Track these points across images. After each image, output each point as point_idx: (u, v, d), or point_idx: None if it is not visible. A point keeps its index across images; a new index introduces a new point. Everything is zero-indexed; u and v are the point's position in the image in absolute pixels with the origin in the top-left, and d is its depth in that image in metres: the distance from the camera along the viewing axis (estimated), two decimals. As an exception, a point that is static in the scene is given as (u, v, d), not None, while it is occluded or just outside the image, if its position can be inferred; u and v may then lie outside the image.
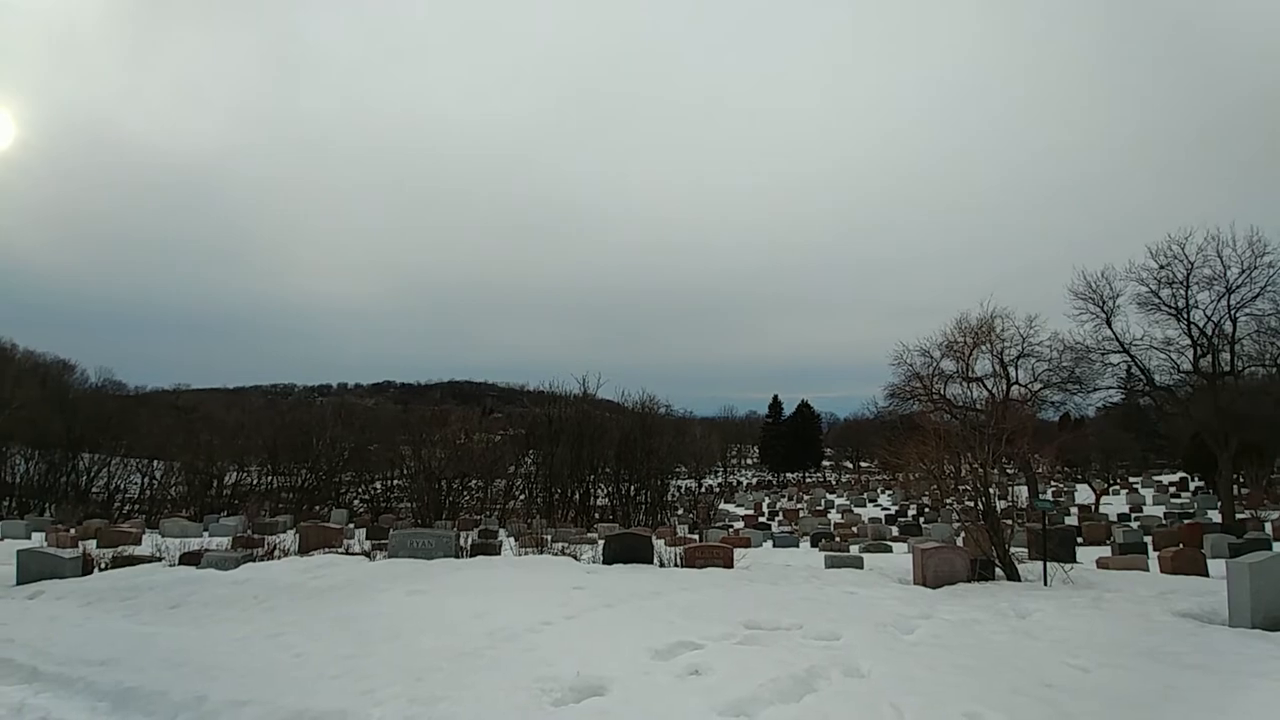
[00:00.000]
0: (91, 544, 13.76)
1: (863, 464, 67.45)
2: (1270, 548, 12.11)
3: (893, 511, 31.57)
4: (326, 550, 11.23)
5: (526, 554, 9.51)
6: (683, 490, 42.98)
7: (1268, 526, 18.54)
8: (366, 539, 15.15)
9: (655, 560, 8.72)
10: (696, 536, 18.12)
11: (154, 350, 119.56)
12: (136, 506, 30.99)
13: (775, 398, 69.72)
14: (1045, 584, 7.61)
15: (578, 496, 31.13)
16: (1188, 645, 4.70)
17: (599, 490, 32.23)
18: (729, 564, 8.51)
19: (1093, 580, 8.00)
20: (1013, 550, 8.72)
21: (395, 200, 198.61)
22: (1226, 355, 22.60)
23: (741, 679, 3.73)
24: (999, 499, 9.45)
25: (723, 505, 38.71)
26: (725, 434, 76.04)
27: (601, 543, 9.81)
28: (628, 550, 8.78)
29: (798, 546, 16.25)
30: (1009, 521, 9.45)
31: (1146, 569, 10.04)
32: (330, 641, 4.68)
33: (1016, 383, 28.19)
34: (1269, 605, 5.36)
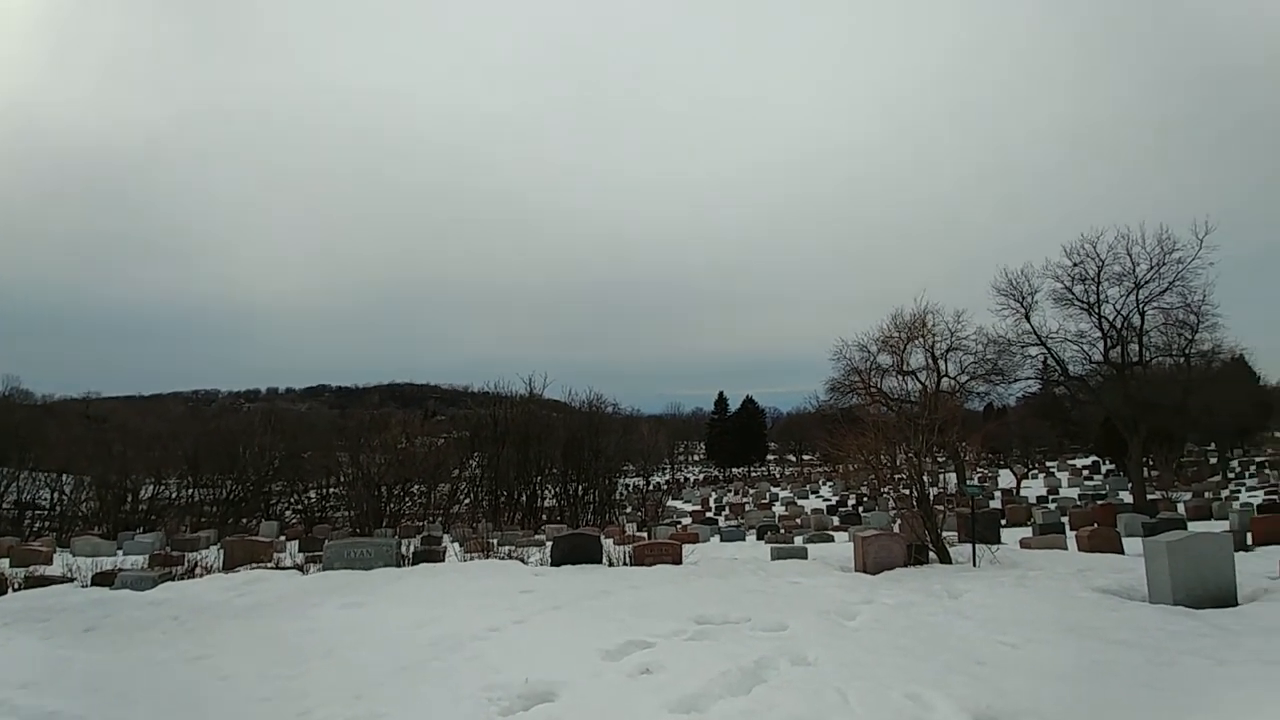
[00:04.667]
0: (4, 562, 12.72)
1: (805, 457, 69.46)
2: (1185, 527, 13.13)
3: (834, 502, 32.64)
4: (255, 566, 10.64)
5: (472, 559, 9.30)
6: (631, 488, 43.10)
7: (1181, 507, 20.02)
8: (299, 552, 14.46)
9: (604, 560, 8.68)
10: (645, 534, 18.19)
11: (63, 356, 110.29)
12: (47, 524, 28.61)
13: (720, 394, 71.02)
14: (974, 565, 8.01)
15: (524, 498, 30.73)
16: (1111, 621, 4.97)
17: (546, 491, 31.92)
18: (678, 560, 8.56)
19: (1017, 560, 8.48)
20: (944, 534, 9.16)
21: (332, 189, 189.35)
22: (1135, 346, 24.47)
23: (692, 675, 3.74)
24: (931, 486, 9.91)
25: (670, 502, 39.08)
26: (672, 431, 76.79)
27: (549, 544, 9.70)
28: (576, 551, 8.70)
29: (744, 540, 16.57)
30: (940, 507, 9.91)
31: (1065, 548, 10.73)
32: (260, 661, 4.41)
33: (946, 375, 29.69)
34: (1188, 583, 5.61)
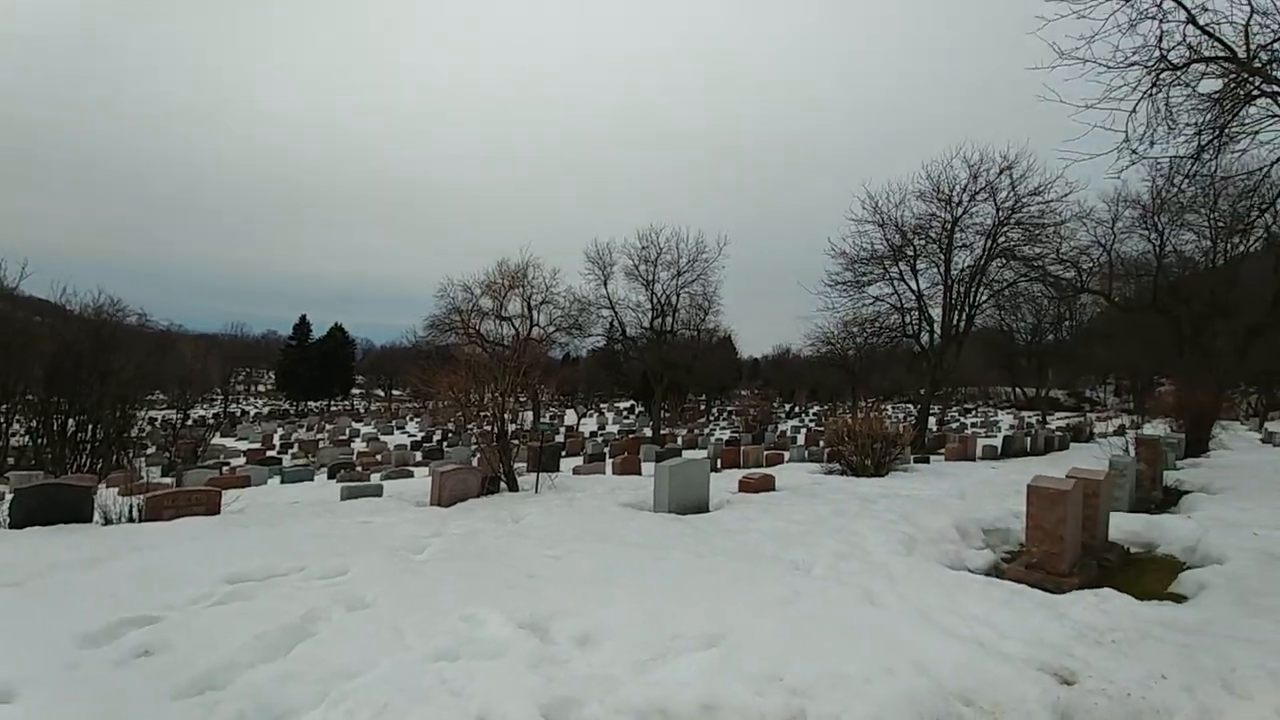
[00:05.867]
0: None
1: (395, 392, 67.23)
2: (680, 454, 17.59)
3: (419, 438, 32.57)
4: None
5: None
6: (160, 424, 34.31)
7: (679, 439, 26.97)
8: None
9: (98, 517, 6.56)
10: (173, 480, 14.68)
11: None
12: None
13: (303, 318, 62.00)
14: (536, 491, 9.05)
15: (-38, 436, 21.13)
16: (629, 528, 6.22)
17: (16, 426, 22.59)
18: (215, 509, 7.10)
19: (570, 484, 9.94)
20: (516, 465, 10.07)
21: None
22: (670, 319, 31.55)
23: (212, 646, 3.10)
24: (511, 423, 10.75)
25: (219, 439, 32.63)
26: (231, 355, 63.88)
27: (7, 500, 6.85)
28: (50, 507, 6.34)
29: (312, 480, 15.00)
30: (517, 441, 10.87)
31: (604, 472, 13.14)
32: None
33: (537, 325, 32.76)
34: (681, 496, 7.46)
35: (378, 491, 8.88)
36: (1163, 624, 3.65)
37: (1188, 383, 18.30)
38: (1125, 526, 6.17)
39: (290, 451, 28.87)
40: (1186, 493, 8.96)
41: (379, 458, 22.16)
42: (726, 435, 30.11)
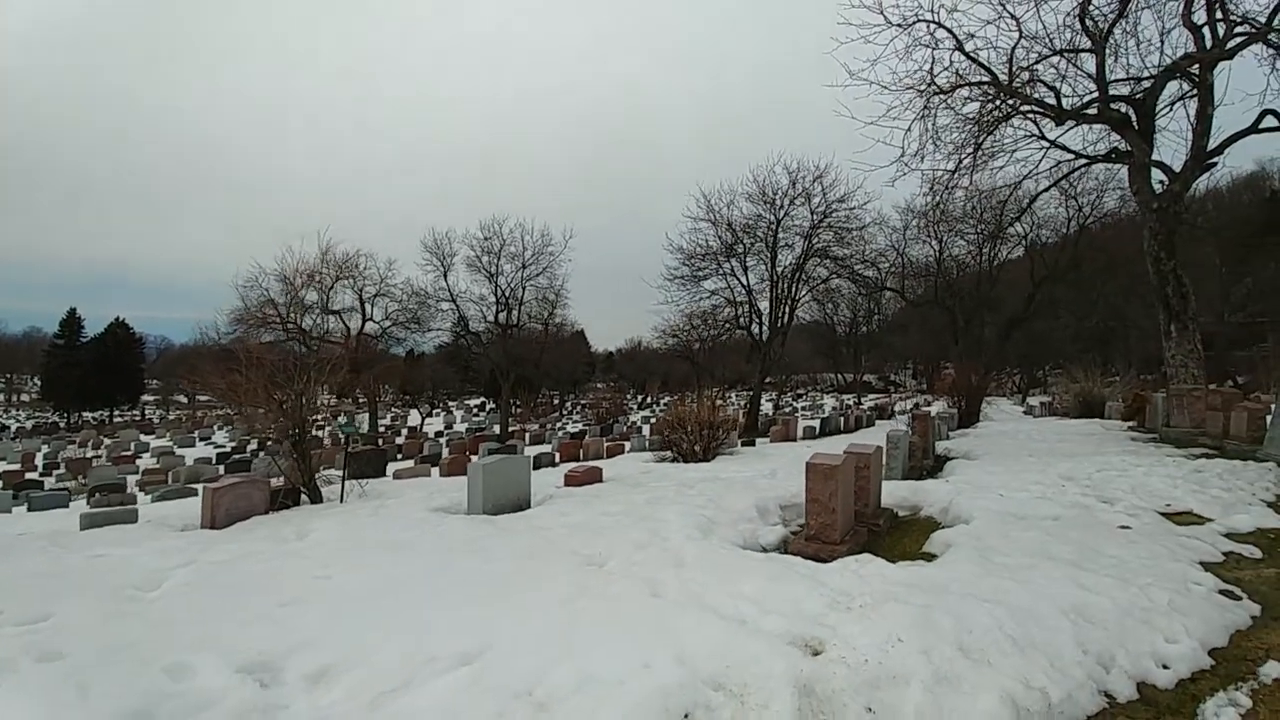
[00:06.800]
0: None
1: (202, 398, 58.82)
2: (525, 450, 17.04)
3: (229, 449, 28.66)
4: None
5: None
6: None
7: (527, 436, 26.29)
8: None
9: None
10: None
11: None
12: None
13: (73, 311, 51.71)
14: (342, 501, 8.19)
15: None
16: (428, 535, 5.72)
17: None
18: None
19: (384, 491, 9.13)
20: (332, 472, 9.05)
21: None
22: (516, 313, 30.72)
23: None
24: (346, 427, 9.68)
25: (-51, 463, 26.24)
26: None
27: None
28: None
29: (67, 507, 12.48)
30: (327, 447, 9.80)
31: (429, 475, 12.33)
32: None
33: (371, 319, 30.27)
34: (499, 495, 7.05)
35: (130, 517, 7.47)
36: (908, 585, 3.96)
37: (961, 365, 21.47)
38: (897, 493, 6.90)
39: (55, 473, 23.92)
40: (951, 459, 10.36)
41: (168, 476, 19.04)
42: (578, 429, 30.06)
